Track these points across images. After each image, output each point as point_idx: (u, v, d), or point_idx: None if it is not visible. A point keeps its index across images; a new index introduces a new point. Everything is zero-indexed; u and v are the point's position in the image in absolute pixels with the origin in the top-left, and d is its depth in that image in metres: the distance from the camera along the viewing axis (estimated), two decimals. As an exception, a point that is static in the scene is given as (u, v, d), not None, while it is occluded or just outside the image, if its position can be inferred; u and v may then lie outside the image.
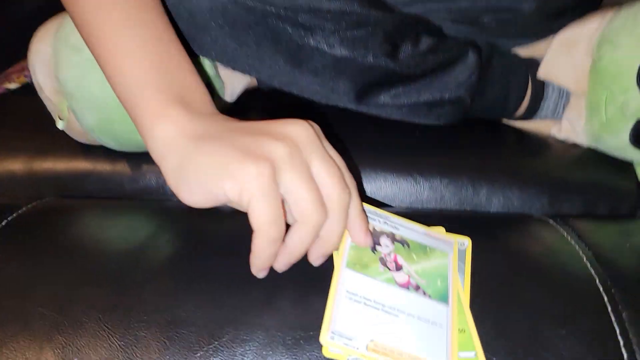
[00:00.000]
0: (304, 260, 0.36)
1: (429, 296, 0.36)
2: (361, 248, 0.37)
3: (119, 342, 0.33)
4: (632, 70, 0.49)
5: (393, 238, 0.39)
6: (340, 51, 0.48)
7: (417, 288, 0.36)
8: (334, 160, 0.34)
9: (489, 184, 0.54)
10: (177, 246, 0.40)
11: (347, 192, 0.34)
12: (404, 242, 0.39)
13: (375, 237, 0.38)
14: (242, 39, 0.46)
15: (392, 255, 0.38)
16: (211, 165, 0.32)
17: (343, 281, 0.35)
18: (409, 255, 0.38)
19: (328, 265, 0.36)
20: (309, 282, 0.36)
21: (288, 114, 0.62)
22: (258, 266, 0.34)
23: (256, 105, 0.62)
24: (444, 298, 0.36)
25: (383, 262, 0.37)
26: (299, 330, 0.34)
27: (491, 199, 0.54)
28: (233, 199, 0.32)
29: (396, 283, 0.36)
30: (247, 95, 0.63)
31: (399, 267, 0.37)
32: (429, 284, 0.37)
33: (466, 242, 0.41)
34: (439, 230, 0.42)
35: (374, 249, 0.38)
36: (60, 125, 0.51)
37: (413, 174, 0.54)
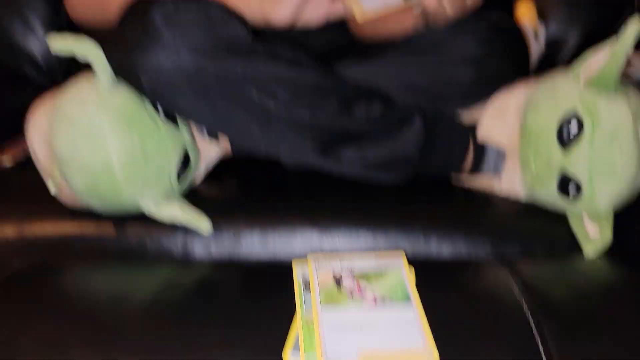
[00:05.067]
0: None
1: (394, 300, 0.45)
2: (329, 289, 0.47)
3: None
4: (551, 130, 0.57)
5: (352, 273, 0.48)
6: (299, 113, 0.55)
7: (384, 299, 0.46)
8: None
9: (438, 234, 0.60)
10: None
11: None
12: (362, 274, 0.48)
13: (338, 278, 0.48)
14: (210, 101, 0.54)
15: (355, 285, 0.47)
16: None
17: (322, 318, 0.43)
18: (369, 280, 0.47)
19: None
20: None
21: (259, 181, 0.68)
22: None
23: (230, 173, 0.69)
24: (406, 298, 0.46)
25: (350, 293, 0.46)
26: None
27: (441, 247, 0.59)
28: None
29: (365, 301, 0.45)
30: (222, 165, 0.69)
31: (363, 290, 0.46)
32: (391, 293, 0.46)
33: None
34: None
35: (339, 287, 0.47)
36: (52, 190, 0.57)
37: (371, 227, 0.60)
